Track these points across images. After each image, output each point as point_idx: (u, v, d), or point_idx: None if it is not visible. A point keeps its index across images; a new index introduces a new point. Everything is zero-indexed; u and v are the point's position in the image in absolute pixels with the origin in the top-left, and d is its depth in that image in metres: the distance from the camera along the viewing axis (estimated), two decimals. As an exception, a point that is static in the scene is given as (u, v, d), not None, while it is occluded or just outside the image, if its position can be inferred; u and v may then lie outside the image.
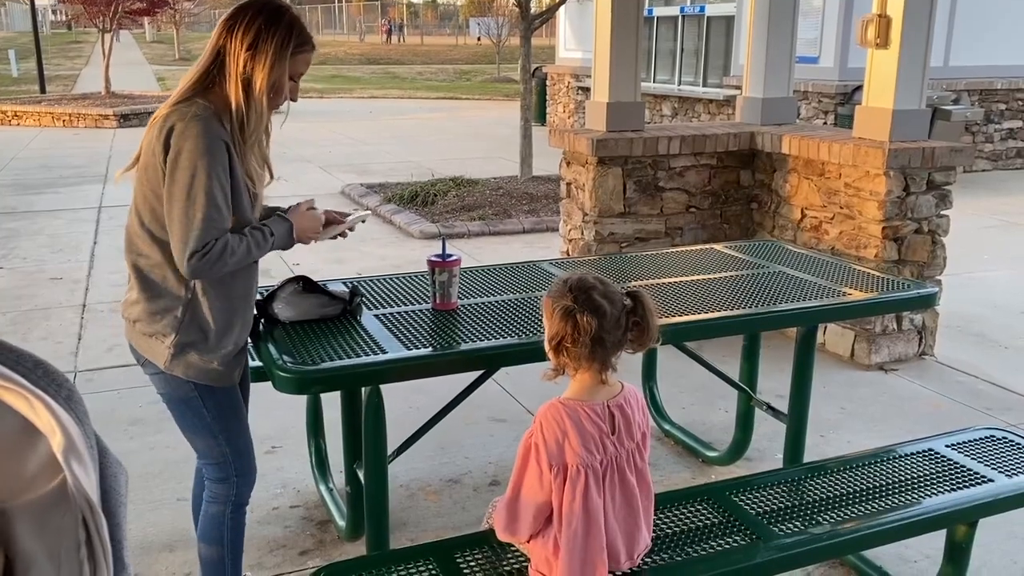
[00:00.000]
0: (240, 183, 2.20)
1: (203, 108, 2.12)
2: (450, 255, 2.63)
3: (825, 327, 4.82)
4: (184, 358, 2.22)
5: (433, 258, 2.62)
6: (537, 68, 14.75)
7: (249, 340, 2.44)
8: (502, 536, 2.01)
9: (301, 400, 3.48)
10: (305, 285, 2.56)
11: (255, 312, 2.46)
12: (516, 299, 2.82)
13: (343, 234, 2.55)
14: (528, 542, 1.99)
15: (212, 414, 2.30)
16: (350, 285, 2.76)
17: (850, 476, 2.51)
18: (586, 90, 13.66)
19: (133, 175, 2.27)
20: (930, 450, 2.65)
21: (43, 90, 20.50)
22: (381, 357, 2.29)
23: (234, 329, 2.27)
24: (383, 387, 2.44)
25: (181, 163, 2.09)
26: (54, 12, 65.75)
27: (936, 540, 2.64)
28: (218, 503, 2.40)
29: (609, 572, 1.96)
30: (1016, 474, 2.51)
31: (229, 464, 2.36)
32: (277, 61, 2.16)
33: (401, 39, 47.30)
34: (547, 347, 1.90)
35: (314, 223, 2.44)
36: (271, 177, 2.38)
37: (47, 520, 0.69)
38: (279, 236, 2.31)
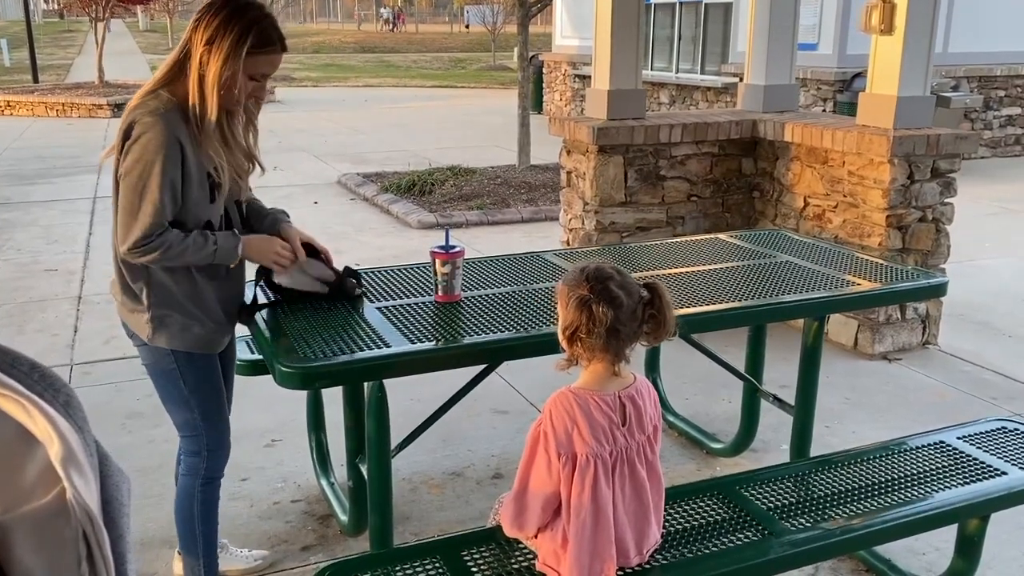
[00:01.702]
0: (193, 179, 2.24)
1: (166, 102, 2.19)
2: (454, 246, 2.58)
3: (828, 316, 4.78)
4: (165, 329, 2.32)
5: (436, 249, 2.57)
6: (534, 56, 14.66)
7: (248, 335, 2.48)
8: (510, 531, 1.97)
9: (301, 394, 3.43)
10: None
11: (257, 280, 2.56)
12: (520, 291, 2.78)
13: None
14: (536, 536, 1.96)
15: (189, 385, 2.39)
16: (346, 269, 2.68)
17: (860, 469, 2.47)
18: (583, 78, 13.59)
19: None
20: (941, 442, 2.62)
21: (36, 80, 20.37)
22: (384, 351, 2.24)
23: (204, 297, 2.36)
24: (386, 380, 2.40)
25: (135, 155, 2.17)
26: (46, 1, 65.38)
27: (946, 532, 2.60)
28: (189, 476, 2.51)
29: (618, 567, 1.92)
30: (1029, 466, 2.47)
31: (201, 436, 2.45)
32: (231, 58, 2.18)
33: (397, 28, 47.10)
34: (561, 336, 1.86)
35: (268, 246, 2.44)
36: (262, 170, 2.48)
37: (46, 533, 0.66)
38: (222, 248, 2.32)
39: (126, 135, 2.20)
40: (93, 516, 0.68)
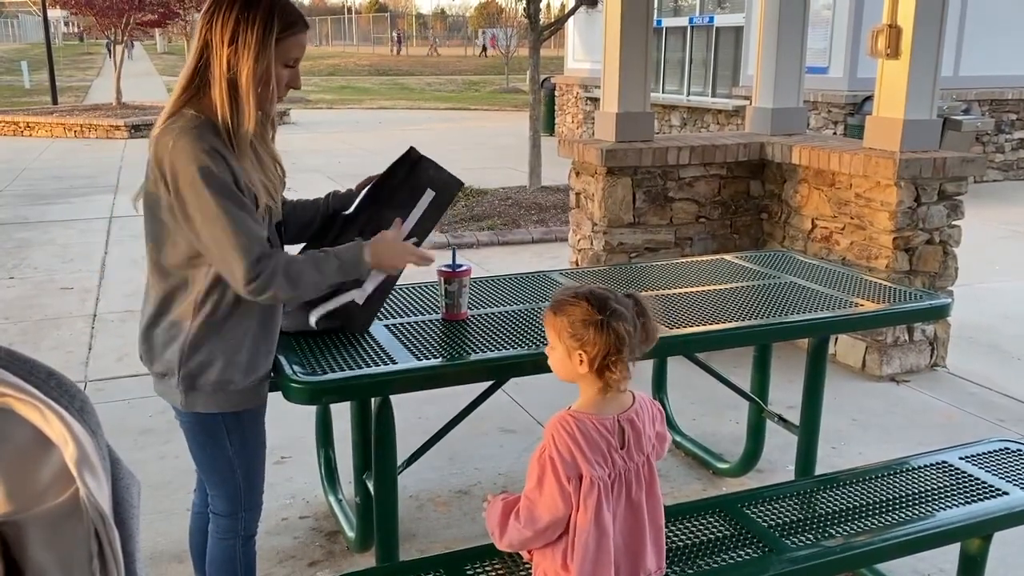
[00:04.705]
0: (246, 194, 2.00)
1: (191, 119, 1.95)
2: (460, 265, 2.63)
3: (836, 338, 4.80)
4: (197, 392, 2.07)
5: (443, 268, 2.62)
6: (546, 79, 14.77)
7: None
8: (506, 549, 1.97)
9: (310, 410, 3.47)
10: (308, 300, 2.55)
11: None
12: (526, 309, 2.82)
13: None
14: (531, 553, 1.95)
15: (235, 446, 2.16)
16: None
17: (863, 488, 2.49)
18: (595, 100, 13.67)
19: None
20: (943, 462, 2.63)
21: (55, 101, 20.67)
22: (391, 367, 2.28)
23: (247, 348, 2.10)
24: (393, 397, 2.44)
25: (183, 187, 1.93)
26: (66, 24, 66.28)
27: (950, 554, 2.61)
28: (227, 539, 2.27)
29: None
30: (1031, 487, 2.48)
31: (240, 499, 2.23)
32: (262, 50, 1.96)
33: (401, 50, 47.35)
34: (575, 372, 1.81)
35: (400, 249, 2.21)
36: (283, 175, 2.20)
37: (59, 532, 0.69)
38: (346, 260, 2.09)
39: (160, 170, 1.96)
40: (105, 515, 0.71)
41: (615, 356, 1.77)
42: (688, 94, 12.48)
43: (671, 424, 3.96)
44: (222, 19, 1.95)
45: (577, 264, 5.37)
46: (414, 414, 3.78)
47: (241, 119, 1.98)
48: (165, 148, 1.95)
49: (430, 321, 2.67)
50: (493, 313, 2.77)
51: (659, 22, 12.55)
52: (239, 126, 1.98)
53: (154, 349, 2.09)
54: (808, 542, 2.22)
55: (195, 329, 2.04)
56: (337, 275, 2.10)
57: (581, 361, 1.80)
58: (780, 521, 2.31)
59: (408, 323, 2.64)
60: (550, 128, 15.19)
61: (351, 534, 3.07)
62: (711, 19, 11.96)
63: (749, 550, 2.17)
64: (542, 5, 9.94)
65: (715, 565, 2.10)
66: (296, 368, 2.25)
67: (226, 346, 2.07)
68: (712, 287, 3.12)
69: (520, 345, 2.48)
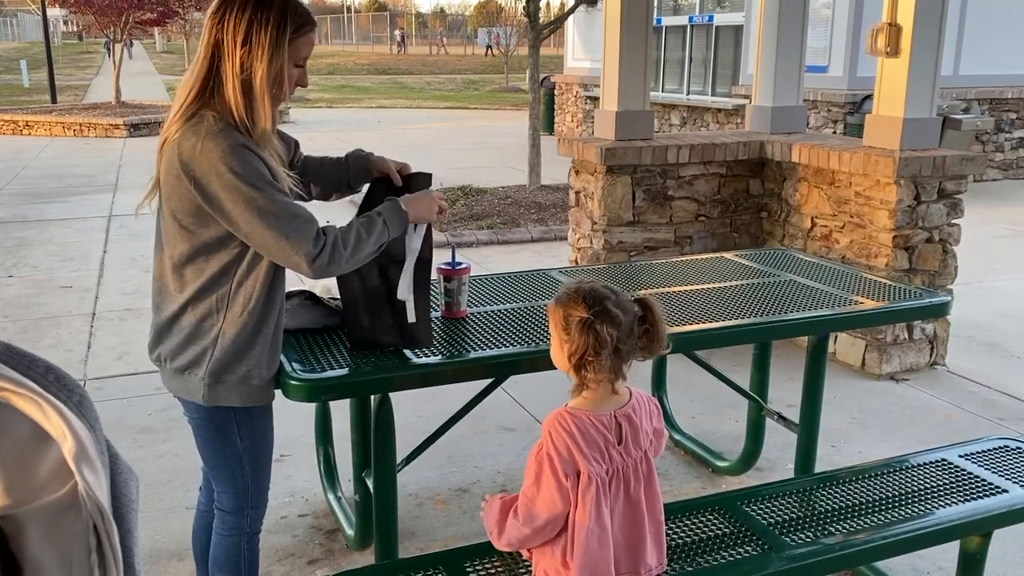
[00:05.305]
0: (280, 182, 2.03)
1: (214, 120, 1.96)
2: (460, 263, 2.63)
3: (836, 336, 4.80)
4: (222, 385, 2.08)
5: (443, 266, 2.62)
6: (545, 77, 14.77)
7: None
8: (505, 548, 1.96)
9: (310, 408, 3.47)
10: (310, 298, 2.56)
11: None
12: (525, 307, 2.82)
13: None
14: (530, 551, 1.95)
15: (245, 442, 2.18)
16: None
17: (862, 486, 2.49)
18: (595, 99, 13.67)
19: (152, 206, 2.12)
20: (943, 460, 2.63)
21: (54, 100, 20.67)
22: (391, 365, 2.28)
23: (270, 343, 2.13)
24: (392, 395, 2.44)
25: (219, 189, 1.93)
26: (65, 23, 66.28)
27: (950, 552, 2.61)
28: (232, 535, 2.29)
29: None
30: (1030, 484, 2.48)
31: (247, 495, 2.24)
32: (276, 52, 1.96)
33: (404, 50, 47.39)
34: (566, 364, 1.83)
35: (429, 201, 2.27)
36: (297, 147, 2.26)
37: (58, 526, 0.69)
38: (389, 219, 2.14)
39: (189, 175, 1.94)
40: (103, 510, 0.71)
41: (591, 357, 1.78)
42: (688, 93, 12.48)
43: (671, 422, 3.96)
44: (234, 19, 1.94)
45: (576, 263, 5.37)
46: (412, 412, 3.78)
47: (256, 119, 1.99)
48: (192, 151, 1.94)
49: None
50: (493, 311, 2.77)
51: (659, 21, 12.55)
52: (254, 125, 1.99)
53: (177, 345, 2.09)
54: (808, 540, 2.22)
55: (225, 324, 2.06)
56: (383, 231, 2.13)
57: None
58: (780, 519, 2.31)
59: (407, 321, 2.63)
60: (550, 127, 15.19)
61: (350, 532, 3.06)
62: (711, 18, 11.96)
63: (749, 547, 2.17)
64: (542, 4, 9.94)
65: (715, 563, 2.10)
66: (296, 366, 2.25)
67: (254, 341, 2.09)
68: (712, 285, 3.12)
69: (519, 343, 2.48)
